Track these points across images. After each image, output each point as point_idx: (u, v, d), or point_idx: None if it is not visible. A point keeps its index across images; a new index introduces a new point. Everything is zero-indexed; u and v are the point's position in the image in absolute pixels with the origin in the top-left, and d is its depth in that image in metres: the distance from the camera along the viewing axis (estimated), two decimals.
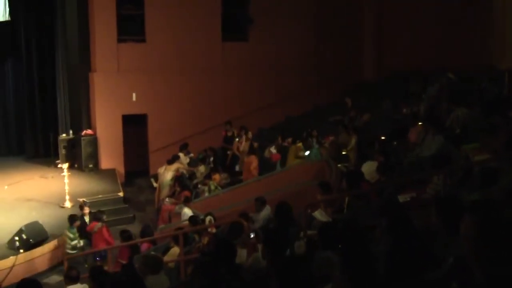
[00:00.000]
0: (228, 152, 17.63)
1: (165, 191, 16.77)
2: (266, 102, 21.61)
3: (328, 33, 22.57)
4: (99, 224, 13.70)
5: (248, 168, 16.71)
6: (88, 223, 14.04)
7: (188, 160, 17.89)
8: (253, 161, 16.60)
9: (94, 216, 14.06)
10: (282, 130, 19.01)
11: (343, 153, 14.82)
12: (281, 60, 21.94)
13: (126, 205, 17.71)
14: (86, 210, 14.27)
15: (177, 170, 17.05)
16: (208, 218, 12.29)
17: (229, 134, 18.00)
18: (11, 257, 12.97)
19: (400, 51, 21.35)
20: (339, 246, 5.71)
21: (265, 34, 21.87)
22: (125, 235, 12.62)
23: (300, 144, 16.45)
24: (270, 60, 21.83)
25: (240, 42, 22.06)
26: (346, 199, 9.65)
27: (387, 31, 22.92)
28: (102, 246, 13.42)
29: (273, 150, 16.78)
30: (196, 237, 11.82)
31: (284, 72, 21.91)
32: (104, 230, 13.69)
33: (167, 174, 16.93)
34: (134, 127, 20.79)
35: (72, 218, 13.93)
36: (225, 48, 21.61)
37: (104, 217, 14.01)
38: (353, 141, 14.86)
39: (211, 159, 17.88)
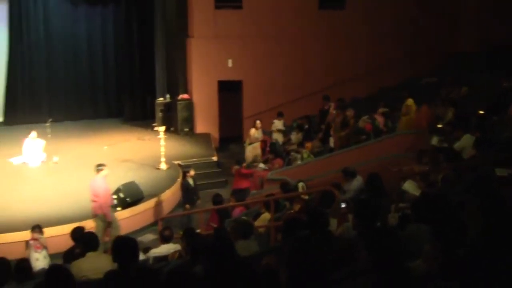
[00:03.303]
0: (322, 126, 17.51)
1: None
2: (361, 71, 21.28)
3: (427, 1, 21.85)
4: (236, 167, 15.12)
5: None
6: (192, 185, 14.29)
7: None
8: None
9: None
10: (378, 100, 18.62)
11: (439, 126, 14.40)
12: (377, 29, 21.45)
13: (219, 170, 17.99)
14: (192, 172, 14.50)
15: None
16: (300, 185, 12.32)
17: (326, 107, 17.85)
18: None
19: (502, 23, 20.40)
20: (432, 220, 5.61)
21: (362, 2, 21.45)
22: (217, 199, 12.85)
23: (410, 103, 15.78)
24: (366, 29, 21.39)
25: (337, 10, 21.73)
26: (441, 174, 9.44)
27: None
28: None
29: (366, 119, 16.53)
30: (287, 204, 11.88)
31: (380, 41, 21.46)
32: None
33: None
34: (229, 93, 21.01)
35: None
36: (321, 16, 21.36)
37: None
38: (450, 114, 14.41)
39: (306, 127, 17.82)
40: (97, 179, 12.17)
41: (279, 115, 18.39)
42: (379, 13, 21.45)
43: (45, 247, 10.82)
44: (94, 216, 12.17)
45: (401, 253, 4.28)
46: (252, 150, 17.25)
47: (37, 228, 10.89)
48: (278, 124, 18.26)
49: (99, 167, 12.25)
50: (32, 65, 22.93)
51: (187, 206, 14.01)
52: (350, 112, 16.01)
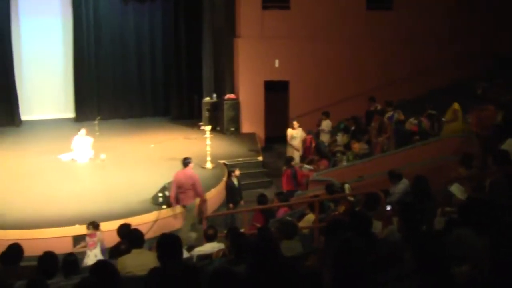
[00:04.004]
0: (368, 128, 17.36)
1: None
2: (409, 73, 21.03)
3: (476, 2, 21.47)
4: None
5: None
6: (237, 185, 14.35)
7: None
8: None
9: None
10: (425, 102, 18.35)
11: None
12: (426, 30, 21.18)
13: (265, 170, 18.00)
14: (237, 172, 14.56)
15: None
16: (346, 186, 12.26)
17: (372, 108, 17.71)
18: (154, 211, 13.65)
19: None
20: (479, 224, 5.52)
21: (410, 3, 21.20)
22: (262, 200, 12.87)
23: (457, 107, 15.46)
24: (415, 30, 21.13)
25: (384, 11, 21.55)
26: (489, 178, 9.26)
27: None
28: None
29: (413, 121, 16.33)
30: (332, 205, 11.83)
31: (428, 42, 21.19)
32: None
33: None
34: (275, 93, 21.02)
35: None
36: (369, 16, 21.21)
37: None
38: (499, 117, 14.12)
39: (352, 128, 17.70)
40: (187, 171, 13.09)
41: (326, 116, 18.31)
42: (428, 13, 21.18)
43: (99, 244, 10.99)
44: (183, 206, 13.14)
45: (447, 258, 4.23)
46: (290, 151, 17.24)
47: (90, 225, 11.10)
48: (324, 124, 18.18)
49: (186, 160, 13.23)
50: (84, 63, 23.38)
51: (231, 205, 14.08)
52: (386, 119, 15.89)
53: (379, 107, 17.39)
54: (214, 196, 15.30)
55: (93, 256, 10.58)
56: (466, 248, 5.13)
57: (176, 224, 13.79)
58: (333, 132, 18.29)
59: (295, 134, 17.31)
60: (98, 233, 11.06)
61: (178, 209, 13.38)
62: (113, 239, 9.79)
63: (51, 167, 16.88)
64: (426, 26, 21.17)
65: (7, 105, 22.59)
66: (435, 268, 4.10)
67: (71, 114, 23.94)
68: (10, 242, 7.97)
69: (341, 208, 10.89)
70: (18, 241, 8.06)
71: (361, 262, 4.37)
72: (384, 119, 15.97)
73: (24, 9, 23.03)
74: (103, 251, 10.79)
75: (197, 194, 13.15)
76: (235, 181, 14.32)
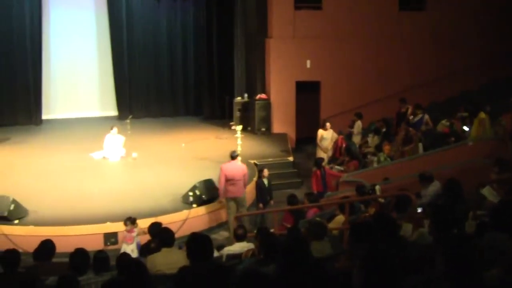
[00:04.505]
0: (399, 129, 17.22)
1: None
2: (441, 74, 20.82)
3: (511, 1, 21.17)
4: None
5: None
6: (267, 185, 14.37)
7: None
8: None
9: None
10: (456, 104, 18.15)
11: None
12: (459, 30, 20.97)
13: (295, 170, 17.97)
14: (266, 172, 14.58)
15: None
16: (377, 188, 12.18)
17: (403, 110, 17.57)
18: (185, 210, 13.70)
19: None
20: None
21: (443, 3, 20.99)
22: (292, 200, 12.85)
23: (483, 116, 15.30)
24: (447, 31, 20.96)
25: (417, 11, 21.36)
26: None
27: None
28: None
29: (445, 123, 16.17)
30: (362, 207, 11.77)
31: (462, 43, 20.97)
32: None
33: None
34: (306, 93, 20.99)
35: None
36: (401, 17, 21.05)
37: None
38: None
39: (383, 130, 17.59)
40: (237, 163, 13.67)
41: (358, 117, 18.22)
42: (461, 14, 20.95)
43: (136, 240, 11.11)
44: (231, 199, 13.44)
45: (478, 262, 4.18)
46: (319, 152, 17.18)
47: (128, 220, 11.24)
48: (356, 125, 18.10)
49: (235, 153, 13.76)
50: (117, 62, 23.66)
51: (261, 205, 14.09)
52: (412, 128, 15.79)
53: (410, 108, 17.24)
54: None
55: (129, 251, 10.69)
56: (498, 252, 5.07)
57: (207, 223, 13.88)
58: (364, 133, 18.19)
59: (326, 135, 17.22)
60: (136, 228, 11.20)
61: (224, 201, 13.74)
62: (143, 237, 9.88)
63: (83, 165, 17.07)
64: (459, 27, 20.95)
65: (31, 103, 22.90)
66: (466, 272, 4.06)
67: (104, 112, 24.19)
68: (43, 238, 8.08)
69: (371, 210, 10.82)
70: (50, 238, 8.17)
71: (389, 264, 4.35)
72: (410, 129, 15.84)
73: (55, 2, 23.38)
74: (138, 246, 10.90)
75: (245, 185, 13.61)
76: (265, 181, 14.32)
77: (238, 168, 13.54)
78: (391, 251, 4.56)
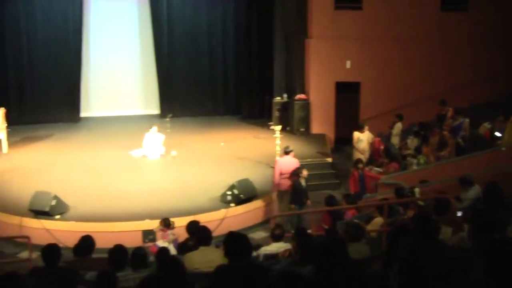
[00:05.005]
0: (437, 131, 16.99)
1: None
2: (484, 76, 20.46)
3: None
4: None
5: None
6: (304, 186, 14.33)
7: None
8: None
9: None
10: (498, 107, 17.80)
11: None
12: (502, 31, 20.60)
13: (333, 171, 17.89)
14: (305, 172, 14.55)
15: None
16: (417, 190, 12.06)
17: (443, 112, 17.34)
18: (223, 209, 13.79)
19: None
20: None
21: (485, 4, 20.63)
22: (330, 201, 12.80)
23: None
24: (489, 32, 20.57)
25: (459, 12, 21.04)
26: None
27: None
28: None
29: (487, 126, 15.91)
30: (401, 209, 11.66)
31: (504, 45, 20.59)
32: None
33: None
34: (346, 94, 20.89)
35: None
36: (443, 18, 20.75)
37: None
38: None
39: (422, 132, 17.38)
40: (288, 159, 14.25)
41: (399, 118, 18.06)
42: (503, 15, 20.57)
43: (172, 242, 11.22)
44: (284, 192, 14.02)
45: None
46: (356, 153, 17.04)
47: (162, 221, 11.40)
48: (396, 127, 17.94)
49: (287, 148, 14.39)
50: (158, 61, 23.88)
51: (293, 206, 14.03)
52: (447, 131, 15.55)
53: (450, 111, 17.02)
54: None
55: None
56: None
57: (245, 222, 13.92)
58: (404, 135, 18.01)
59: (362, 137, 17.06)
60: (168, 232, 11.30)
61: (274, 195, 14.43)
62: (181, 235, 9.94)
63: (123, 162, 17.29)
64: (501, 28, 20.57)
65: (72, 101, 23.38)
66: (506, 277, 4.00)
67: (145, 110, 24.42)
68: (83, 234, 8.20)
69: (410, 213, 10.73)
70: (90, 233, 8.28)
71: (427, 268, 4.31)
72: (444, 132, 15.63)
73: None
74: (175, 244, 10.99)
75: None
76: (303, 182, 14.28)
77: (291, 163, 14.16)
78: (430, 255, 4.52)
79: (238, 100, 24.68)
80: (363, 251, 7.06)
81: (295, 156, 14.74)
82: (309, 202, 14.31)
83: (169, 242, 11.06)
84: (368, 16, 20.38)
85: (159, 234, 11.55)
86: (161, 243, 11.07)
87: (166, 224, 11.44)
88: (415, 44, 20.48)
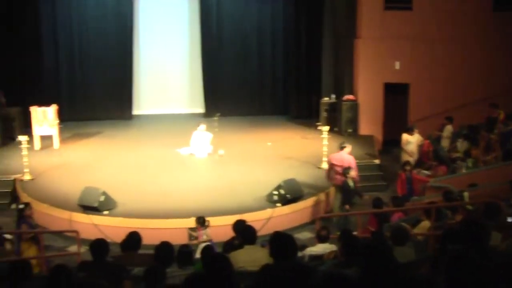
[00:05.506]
0: (491, 136, 16.69)
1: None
2: None
3: None
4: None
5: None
6: (352, 187, 14.27)
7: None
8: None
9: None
10: None
11: None
12: None
13: (381, 173, 17.75)
14: (352, 173, 14.50)
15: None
16: (466, 194, 11.89)
17: (493, 115, 17.03)
18: (269, 209, 13.81)
19: None
20: None
21: None
22: (377, 203, 12.72)
23: None
24: None
25: None
26: None
27: None
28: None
29: None
30: (449, 213, 11.51)
31: None
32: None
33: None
34: (394, 95, 20.67)
35: None
36: (495, 18, 20.27)
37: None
38: None
39: (472, 135, 17.11)
40: (341, 154, 14.68)
41: (449, 121, 17.80)
42: None
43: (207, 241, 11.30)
44: (337, 186, 14.51)
45: None
46: (404, 156, 16.86)
47: (196, 219, 11.50)
48: (446, 129, 17.69)
49: (342, 144, 14.92)
50: (208, 60, 24.04)
51: (347, 207, 13.98)
52: (494, 135, 15.24)
53: (502, 113, 16.71)
54: (328, 197, 15.27)
55: (200, 246, 10.88)
56: None
57: (291, 222, 13.92)
58: (454, 137, 17.74)
59: (411, 139, 16.89)
60: (202, 231, 11.38)
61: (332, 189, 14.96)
62: (226, 234, 9.99)
63: (170, 160, 17.48)
64: None
65: (122, 98, 23.69)
66: None
67: (191, 109, 24.60)
68: (130, 230, 8.32)
69: (459, 217, 10.57)
70: (138, 229, 8.40)
71: (475, 273, 4.25)
72: (492, 136, 15.35)
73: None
74: (211, 243, 11.06)
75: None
76: (351, 183, 14.21)
77: (343, 158, 14.55)
78: (478, 260, 4.45)
79: (286, 100, 24.65)
80: (408, 254, 7.00)
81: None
82: (366, 196, 14.31)
83: (203, 242, 11.13)
84: (418, 17, 20.09)
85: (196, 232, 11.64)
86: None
87: (200, 222, 11.53)
88: (466, 45, 20.10)
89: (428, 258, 7.13)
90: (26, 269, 5.88)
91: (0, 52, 20.51)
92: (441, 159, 16.32)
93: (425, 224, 10.90)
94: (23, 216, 11.51)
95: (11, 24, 21.48)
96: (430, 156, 16.92)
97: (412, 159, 16.43)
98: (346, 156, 14.66)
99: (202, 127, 18.08)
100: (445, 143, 17.56)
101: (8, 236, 11.55)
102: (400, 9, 20.36)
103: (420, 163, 16.85)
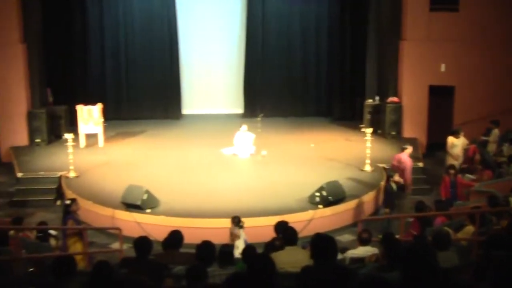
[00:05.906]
0: None
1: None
2: None
3: None
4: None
5: None
6: (394, 190, 14.16)
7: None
8: None
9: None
10: None
11: None
12: None
13: (424, 177, 17.56)
14: (396, 177, 14.39)
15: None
16: (511, 200, 11.69)
17: None
18: (310, 210, 13.80)
19: None
20: None
21: None
22: (420, 207, 12.58)
23: None
24: None
25: None
26: None
27: None
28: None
29: None
30: (494, 219, 11.32)
31: None
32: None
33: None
34: (439, 98, 20.41)
35: None
36: None
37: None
38: None
39: None
40: (402, 155, 15.24)
41: (495, 124, 17.51)
42: None
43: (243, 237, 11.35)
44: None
45: None
46: (449, 159, 16.62)
47: (232, 219, 11.58)
48: (493, 134, 17.40)
49: (405, 145, 15.68)
50: (253, 61, 24.10)
51: (387, 210, 13.88)
52: None
53: None
54: (371, 199, 15.21)
55: (237, 245, 10.93)
56: None
57: (332, 224, 13.87)
58: (500, 142, 17.44)
59: (456, 142, 16.65)
60: (237, 230, 11.42)
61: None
62: (267, 234, 10.00)
63: (213, 160, 17.59)
64: None
65: (169, 98, 23.90)
66: None
67: (235, 109, 24.68)
68: (172, 229, 8.39)
69: (504, 223, 10.39)
70: (179, 228, 8.46)
71: None
72: None
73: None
74: (245, 243, 11.10)
75: (404, 179, 14.84)
76: (394, 186, 14.10)
77: (400, 159, 15.19)
78: None
79: (329, 102, 24.54)
80: (451, 259, 6.91)
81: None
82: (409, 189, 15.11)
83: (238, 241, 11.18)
84: (465, 18, 19.77)
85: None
86: (237, 243, 11.16)
87: (235, 221, 11.56)
88: None
89: (471, 264, 7.03)
90: (71, 265, 5.98)
91: (49, 53, 20.90)
92: (486, 163, 16.06)
93: (469, 229, 10.75)
94: (70, 211, 11.72)
95: (60, 27, 21.90)
96: (475, 160, 16.65)
97: (457, 163, 16.19)
98: (404, 157, 15.17)
99: (244, 127, 18.15)
100: (491, 147, 17.27)
101: (52, 232, 11.78)
102: (446, 11, 20.09)
103: (463, 167, 16.58)
